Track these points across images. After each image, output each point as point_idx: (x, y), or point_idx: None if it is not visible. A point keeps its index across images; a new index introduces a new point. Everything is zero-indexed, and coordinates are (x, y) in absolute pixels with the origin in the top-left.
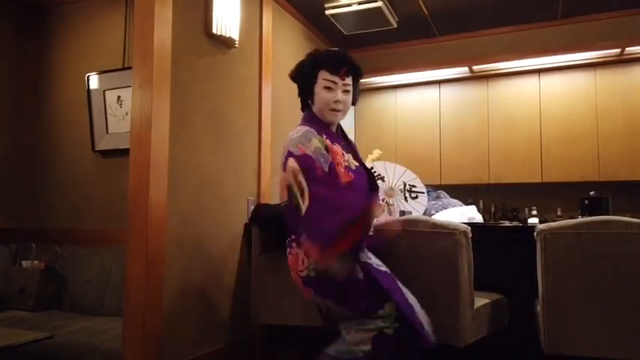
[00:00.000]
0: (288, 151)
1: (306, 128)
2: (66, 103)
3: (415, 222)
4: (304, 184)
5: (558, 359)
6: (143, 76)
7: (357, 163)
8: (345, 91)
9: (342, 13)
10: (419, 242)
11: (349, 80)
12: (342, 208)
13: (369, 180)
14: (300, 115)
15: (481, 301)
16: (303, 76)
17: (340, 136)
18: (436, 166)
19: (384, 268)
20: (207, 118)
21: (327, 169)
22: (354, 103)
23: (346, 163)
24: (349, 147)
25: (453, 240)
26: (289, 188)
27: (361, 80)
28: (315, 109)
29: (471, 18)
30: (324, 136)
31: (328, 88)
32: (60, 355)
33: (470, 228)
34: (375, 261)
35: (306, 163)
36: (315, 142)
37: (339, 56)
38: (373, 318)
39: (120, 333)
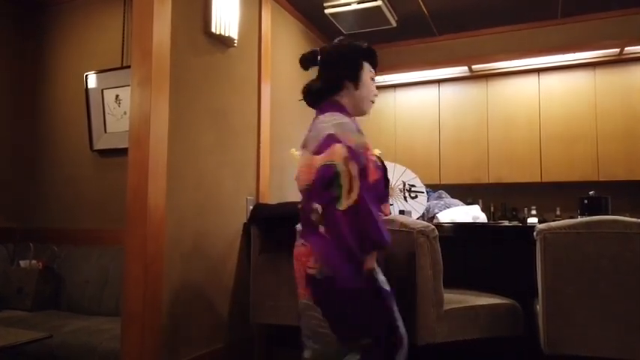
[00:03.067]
0: (333, 134)
1: (347, 119)
2: (64, 102)
3: (387, 221)
4: (356, 178)
5: (558, 359)
6: (142, 75)
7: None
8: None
9: (341, 12)
10: (392, 241)
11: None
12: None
13: (385, 176)
14: (299, 113)
15: (471, 302)
16: (347, 59)
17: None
18: (435, 165)
19: (386, 285)
20: (206, 117)
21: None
22: None
23: (374, 158)
24: None
25: (412, 239)
26: (331, 173)
27: None
28: (355, 95)
29: (470, 17)
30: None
31: (372, 79)
32: (58, 355)
33: (433, 227)
34: (381, 277)
35: (356, 157)
36: (357, 138)
37: (377, 56)
38: (342, 348)
39: (118, 333)
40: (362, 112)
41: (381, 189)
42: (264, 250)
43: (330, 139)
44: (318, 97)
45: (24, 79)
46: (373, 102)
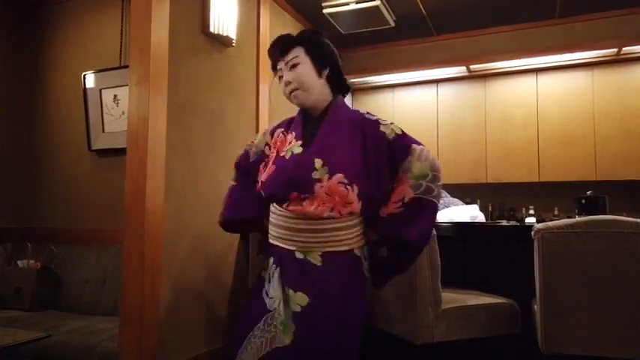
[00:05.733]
0: None
1: (280, 122)
2: (62, 102)
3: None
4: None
5: (556, 358)
6: (140, 74)
7: (299, 150)
8: (292, 67)
9: (339, 12)
10: None
11: (291, 55)
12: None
13: (289, 173)
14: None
15: (469, 301)
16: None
17: (320, 120)
18: None
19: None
20: (205, 117)
21: (255, 163)
22: (324, 67)
23: (283, 153)
24: (311, 131)
25: None
26: None
27: (360, 79)
28: None
29: (468, 17)
30: (280, 130)
31: (280, 78)
32: (56, 356)
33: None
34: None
35: (245, 155)
36: (259, 138)
37: (272, 44)
38: None
39: (116, 333)
40: (300, 106)
41: (270, 188)
42: (262, 250)
43: None
44: None
45: (21, 79)
46: (290, 91)
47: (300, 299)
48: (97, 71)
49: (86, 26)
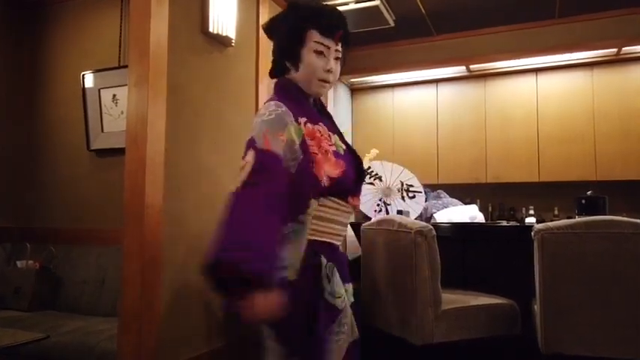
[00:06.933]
0: (252, 139)
1: (281, 108)
2: (61, 101)
3: (386, 221)
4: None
5: (556, 359)
6: (139, 74)
7: (344, 146)
8: (337, 59)
9: None
10: (390, 241)
11: (340, 47)
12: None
13: (356, 167)
14: None
15: (469, 302)
16: (286, 33)
17: (320, 110)
18: (433, 165)
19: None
20: (204, 117)
21: (293, 171)
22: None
23: (334, 148)
24: (332, 125)
25: (410, 239)
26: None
27: (359, 79)
28: (298, 76)
29: (468, 17)
30: (304, 120)
31: (319, 53)
32: (55, 356)
33: (431, 227)
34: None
35: (265, 161)
36: (290, 133)
37: (336, 16)
38: None
39: (115, 333)
40: (310, 94)
41: (345, 183)
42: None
43: (248, 146)
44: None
45: (20, 79)
46: (326, 80)
47: (352, 290)
48: (96, 71)
49: (85, 26)
